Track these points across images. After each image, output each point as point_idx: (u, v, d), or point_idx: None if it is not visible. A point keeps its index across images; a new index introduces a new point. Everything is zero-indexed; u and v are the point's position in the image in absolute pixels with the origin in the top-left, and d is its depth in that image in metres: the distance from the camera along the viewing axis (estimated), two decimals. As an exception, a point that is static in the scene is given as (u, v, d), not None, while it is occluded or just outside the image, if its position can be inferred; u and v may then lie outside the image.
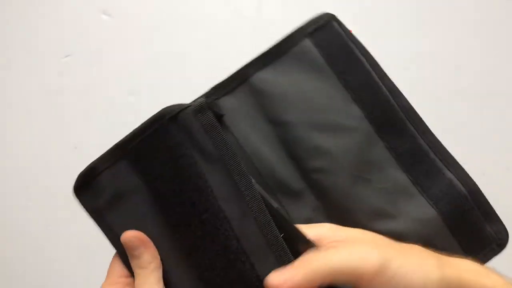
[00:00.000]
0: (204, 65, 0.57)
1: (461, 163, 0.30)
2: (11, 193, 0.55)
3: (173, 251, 0.28)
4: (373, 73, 0.31)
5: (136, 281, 0.27)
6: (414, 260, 0.24)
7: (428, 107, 0.58)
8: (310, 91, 0.30)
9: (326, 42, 0.31)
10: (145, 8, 0.58)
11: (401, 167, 0.29)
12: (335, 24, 0.32)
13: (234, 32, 0.58)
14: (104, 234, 0.30)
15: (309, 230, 0.26)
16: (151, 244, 0.28)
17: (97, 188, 0.30)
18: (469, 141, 0.57)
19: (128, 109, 0.57)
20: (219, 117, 0.30)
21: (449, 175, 0.29)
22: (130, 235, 0.27)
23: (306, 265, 0.24)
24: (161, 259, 0.28)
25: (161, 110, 0.29)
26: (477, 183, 0.29)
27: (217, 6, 0.58)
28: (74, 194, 0.31)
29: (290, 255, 0.26)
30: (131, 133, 0.30)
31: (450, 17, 0.60)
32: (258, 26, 0.58)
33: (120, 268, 0.28)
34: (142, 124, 0.29)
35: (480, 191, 0.29)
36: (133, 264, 0.28)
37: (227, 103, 0.31)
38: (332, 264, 0.24)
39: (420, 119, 0.30)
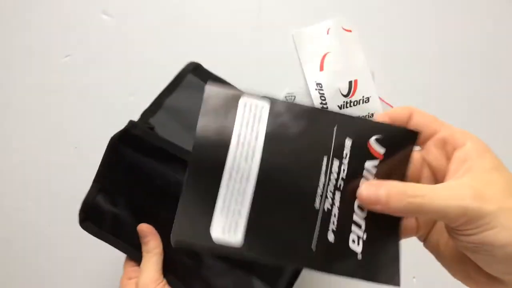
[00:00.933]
0: (204, 65, 0.57)
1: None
2: (11, 193, 0.55)
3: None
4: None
5: (142, 261, 0.39)
6: None
7: (427, 107, 0.58)
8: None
9: (201, 74, 0.47)
10: (145, 8, 0.58)
11: None
12: (201, 66, 0.47)
13: (234, 32, 0.58)
14: (113, 247, 0.41)
15: (457, 137, 0.27)
16: (157, 236, 0.39)
17: (94, 216, 0.41)
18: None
19: (128, 109, 0.57)
20: (152, 129, 0.43)
21: None
22: (143, 226, 0.39)
23: (402, 197, 0.25)
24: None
25: (112, 137, 0.41)
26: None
27: (217, 6, 0.58)
28: (81, 227, 0.41)
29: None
30: (100, 163, 0.41)
31: (451, 16, 0.60)
32: (258, 26, 0.58)
33: (131, 263, 0.41)
34: (104, 153, 0.41)
35: None
36: (143, 249, 0.39)
37: (155, 122, 0.43)
38: (434, 207, 0.24)
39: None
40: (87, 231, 0.42)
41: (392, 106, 0.57)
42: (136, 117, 0.56)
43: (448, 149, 0.28)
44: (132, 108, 0.57)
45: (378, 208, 0.26)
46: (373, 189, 0.26)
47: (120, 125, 0.56)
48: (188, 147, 0.40)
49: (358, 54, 0.58)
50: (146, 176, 0.40)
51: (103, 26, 0.58)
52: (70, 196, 0.56)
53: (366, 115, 0.55)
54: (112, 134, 0.55)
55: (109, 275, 0.55)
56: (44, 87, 0.56)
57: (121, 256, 0.55)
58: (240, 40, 0.58)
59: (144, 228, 0.39)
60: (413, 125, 0.29)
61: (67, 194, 0.56)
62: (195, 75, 0.47)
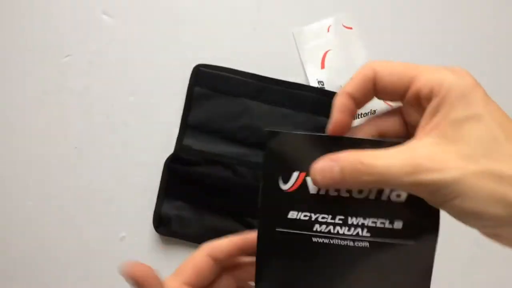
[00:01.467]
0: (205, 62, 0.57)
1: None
2: (11, 193, 0.55)
3: None
4: (229, 76, 0.55)
5: None
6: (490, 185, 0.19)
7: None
8: (218, 110, 0.54)
9: (204, 82, 0.55)
10: (146, 8, 0.58)
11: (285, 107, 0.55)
12: (201, 68, 0.55)
13: (234, 31, 0.58)
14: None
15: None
16: (157, 280, 0.25)
17: (164, 221, 0.52)
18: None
19: (128, 109, 0.57)
20: (190, 148, 0.55)
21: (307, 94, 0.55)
22: (136, 269, 0.24)
23: (356, 166, 0.21)
24: None
25: (165, 161, 0.54)
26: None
27: (217, 6, 0.58)
28: (155, 231, 0.53)
29: None
30: (160, 181, 0.54)
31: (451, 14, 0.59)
32: (258, 25, 0.58)
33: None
34: (162, 173, 0.53)
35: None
36: None
37: (187, 140, 0.54)
38: (390, 184, 0.21)
39: (262, 90, 0.55)
40: (162, 234, 0.53)
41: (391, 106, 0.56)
42: (135, 117, 0.56)
43: (423, 104, 0.22)
44: (132, 108, 0.57)
45: (336, 187, 0.23)
46: (328, 169, 0.22)
47: (120, 125, 0.56)
48: (220, 149, 0.53)
49: (359, 51, 0.57)
50: (197, 180, 0.52)
51: (103, 26, 0.57)
52: (70, 196, 0.56)
53: (368, 112, 0.55)
54: (111, 134, 0.56)
55: (109, 274, 0.55)
56: (44, 87, 0.56)
57: (120, 256, 0.55)
58: (240, 39, 0.58)
59: (137, 273, 0.24)
60: (381, 90, 0.24)
61: (67, 194, 0.55)
62: (200, 86, 0.55)
